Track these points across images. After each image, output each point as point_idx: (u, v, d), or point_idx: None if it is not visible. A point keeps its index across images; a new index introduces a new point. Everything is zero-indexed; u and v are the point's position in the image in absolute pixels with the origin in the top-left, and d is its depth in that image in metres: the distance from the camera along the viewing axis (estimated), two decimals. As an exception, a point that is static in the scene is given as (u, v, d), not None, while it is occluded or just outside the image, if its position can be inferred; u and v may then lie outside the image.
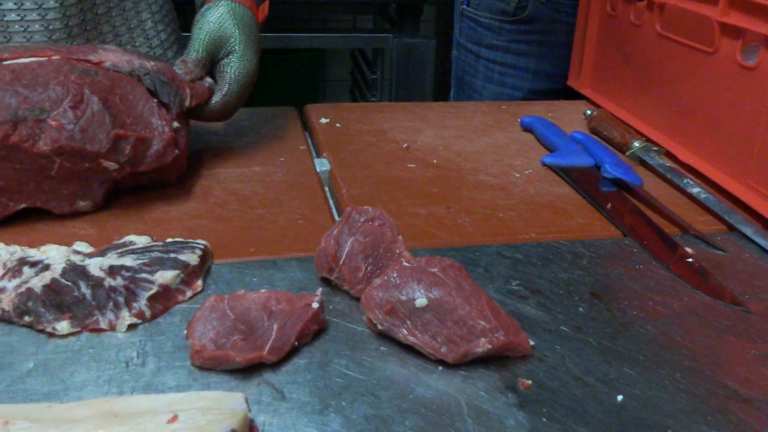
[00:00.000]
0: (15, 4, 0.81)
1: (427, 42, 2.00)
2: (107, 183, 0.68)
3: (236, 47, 0.77)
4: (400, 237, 0.59)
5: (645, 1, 0.95)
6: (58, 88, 0.65)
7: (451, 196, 0.76)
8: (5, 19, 0.81)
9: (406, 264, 0.52)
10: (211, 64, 0.78)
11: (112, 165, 0.66)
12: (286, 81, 2.46)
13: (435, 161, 0.85)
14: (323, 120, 0.95)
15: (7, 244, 0.61)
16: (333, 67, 2.77)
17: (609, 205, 0.75)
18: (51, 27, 0.83)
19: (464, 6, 1.40)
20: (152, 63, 0.73)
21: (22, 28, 0.82)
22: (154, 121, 0.70)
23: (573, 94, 1.19)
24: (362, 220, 0.59)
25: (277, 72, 2.43)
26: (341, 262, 0.56)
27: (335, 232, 0.58)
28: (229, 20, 0.76)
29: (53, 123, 0.63)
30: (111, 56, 0.72)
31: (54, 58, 0.70)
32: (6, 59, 0.69)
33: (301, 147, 0.87)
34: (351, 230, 0.58)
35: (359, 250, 0.57)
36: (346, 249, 0.57)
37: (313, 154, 0.86)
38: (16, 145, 0.62)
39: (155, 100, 0.71)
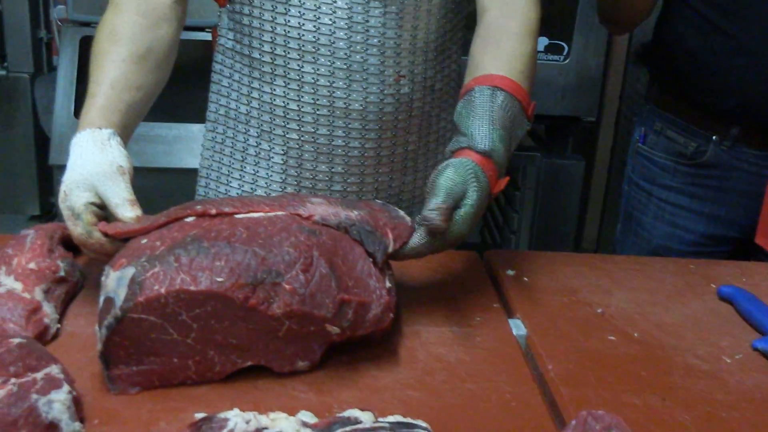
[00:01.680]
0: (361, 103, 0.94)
1: (576, 164, 1.99)
2: (326, 345, 0.69)
3: (466, 206, 0.75)
4: (638, 449, 0.56)
5: None
6: (291, 249, 0.68)
7: (661, 382, 0.72)
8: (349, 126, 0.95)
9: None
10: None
11: (334, 329, 0.68)
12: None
13: (636, 335, 0.82)
14: (510, 272, 0.95)
15: (231, 400, 0.62)
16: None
17: (844, 414, 0.69)
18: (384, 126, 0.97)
19: (639, 144, 1.38)
20: (356, 212, 0.76)
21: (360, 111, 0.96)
22: (371, 284, 0.71)
23: (754, 245, 1.13)
24: (598, 427, 0.56)
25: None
26: (581, 475, 0.54)
27: (572, 439, 0.56)
28: (473, 178, 0.76)
29: (287, 287, 0.66)
30: (319, 209, 0.75)
31: (279, 214, 0.73)
32: (226, 214, 0.73)
33: (495, 305, 0.86)
34: (589, 439, 0.56)
35: (600, 463, 0.54)
36: (586, 461, 0.54)
37: (506, 311, 0.85)
38: (253, 307, 0.65)
39: (370, 260, 0.73)
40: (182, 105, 1.86)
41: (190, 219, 0.74)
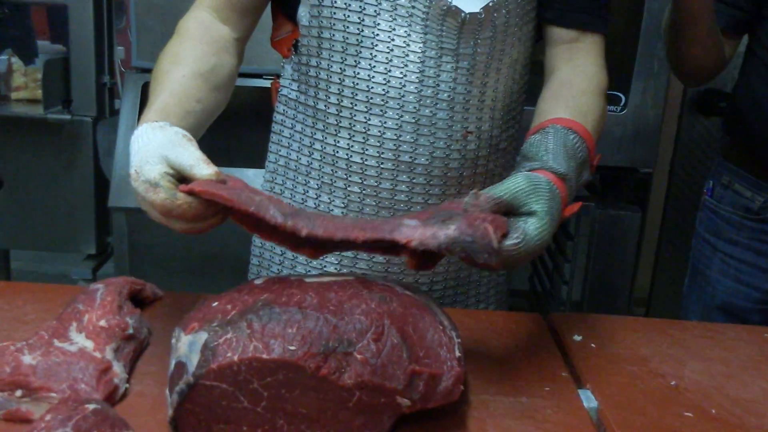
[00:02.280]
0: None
1: (632, 215, 1.95)
2: (395, 416, 0.68)
3: (539, 211, 0.73)
4: None
5: None
6: (362, 318, 0.67)
7: (746, 466, 0.69)
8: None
9: None
10: (505, 213, 0.74)
11: (405, 402, 0.66)
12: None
13: (713, 411, 0.78)
14: (576, 337, 0.92)
15: (299, 472, 0.61)
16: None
17: None
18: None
19: (707, 197, 1.35)
20: (452, 227, 0.69)
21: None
22: (442, 354, 0.70)
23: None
24: None
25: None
26: None
27: None
28: (545, 188, 0.75)
29: (359, 357, 0.65)
30: (416, 234, 0.69)
31: (349, 278, 0.73)
32: (315, 235, 0.68)
33: (563, 374, 0.83)
34: None
35: None
36: None
37: (574, 381, 0.83)
38: (324, 377, 0.64)
39: (441, 326, 0.72)
40: (238, 150, 1.90)
41: (259, 281, 0.74)
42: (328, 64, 0.93)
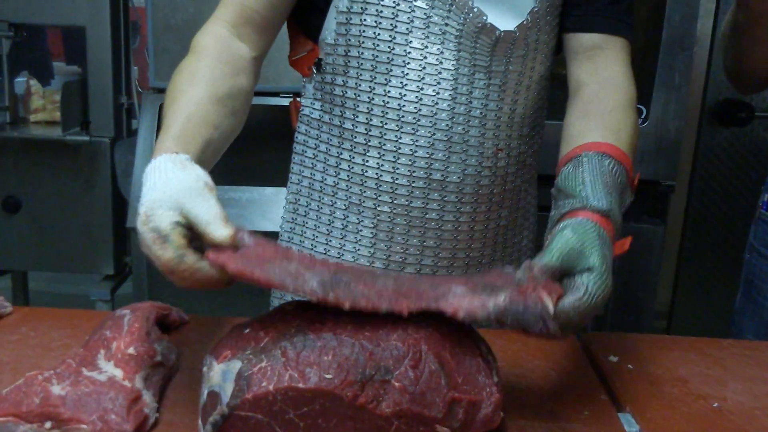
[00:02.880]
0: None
1: (655, 228, 1.93)
2: (434, 446, 0.66)
3: (595, 266, 0.69)
4: None
5: None
6: (398, 343, 0.65)
7: (799, 494, 0.66)
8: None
9: None
10: (561, 277, 0.71)
11: (444, 430, 0.64)
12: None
13: (760, 435, 0.76)
14: (612, 358, 0.90)
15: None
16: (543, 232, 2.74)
17: None
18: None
19: (762, 210, 1.31)
20: (502, 296, 0.67)
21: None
22: (480, 380, 0.68)
23: None
24: None
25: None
26: None
27: None
28: (593, 237, 0.71)
29: (397, 384, 0.63)
30: (463, 302, 0.66)
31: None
32: (358, 308, 0.65)
33: (602, 397, 0.81)
34: None
35: None
36: None
37: (614, 405, 0.80)
38: (362, 405, 0.62)
39: (478, 350, 0.70)
40: (256, 169, 1.89)
41: (289, 306, 0.72)
42: (356, 83, 0.92)
